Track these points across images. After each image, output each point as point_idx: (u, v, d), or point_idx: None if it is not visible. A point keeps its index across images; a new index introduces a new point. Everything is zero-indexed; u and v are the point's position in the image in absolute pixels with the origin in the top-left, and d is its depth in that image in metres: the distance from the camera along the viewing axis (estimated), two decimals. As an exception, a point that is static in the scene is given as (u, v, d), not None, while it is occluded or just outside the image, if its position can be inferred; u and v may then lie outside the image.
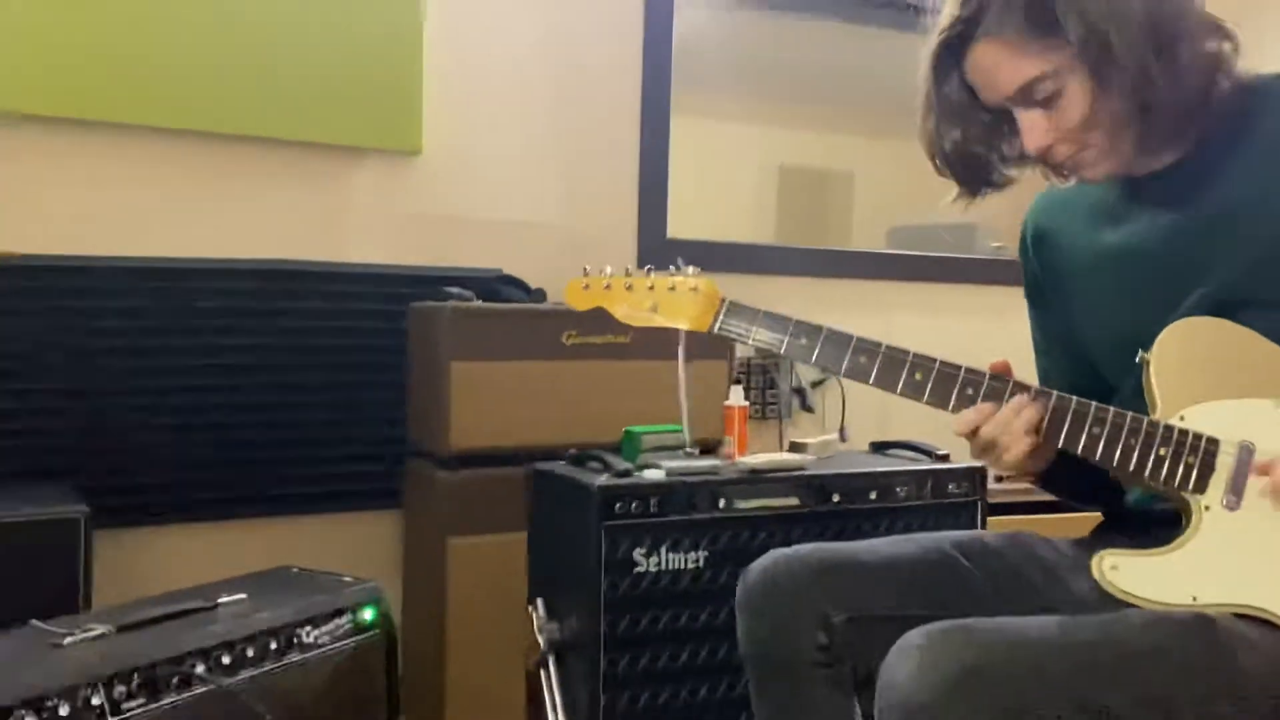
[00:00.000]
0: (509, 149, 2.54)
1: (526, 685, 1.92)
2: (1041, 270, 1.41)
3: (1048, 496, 1.43)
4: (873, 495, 1.96)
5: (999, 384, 1.19)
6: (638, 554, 1.78)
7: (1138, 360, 1.17)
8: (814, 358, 1.23)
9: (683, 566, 1.82)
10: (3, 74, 2.01)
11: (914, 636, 1.06)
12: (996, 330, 1.85)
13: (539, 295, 2.32)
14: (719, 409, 2.11)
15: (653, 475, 1.83)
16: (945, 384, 1.20)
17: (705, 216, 2.99)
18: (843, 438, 2.73)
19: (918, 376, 1.20)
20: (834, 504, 1.93)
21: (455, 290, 2.18)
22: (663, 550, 1.80)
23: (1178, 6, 1.18)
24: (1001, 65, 1.21)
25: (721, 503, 1.85)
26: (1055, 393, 1.19)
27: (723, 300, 1.29)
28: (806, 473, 1.94)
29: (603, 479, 1.80)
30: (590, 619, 1.77)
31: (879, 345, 1.22)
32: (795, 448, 2.07)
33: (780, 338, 1.25)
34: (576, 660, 1.82)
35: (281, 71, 2.22)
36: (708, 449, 2.10)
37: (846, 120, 3.33)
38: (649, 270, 1.33)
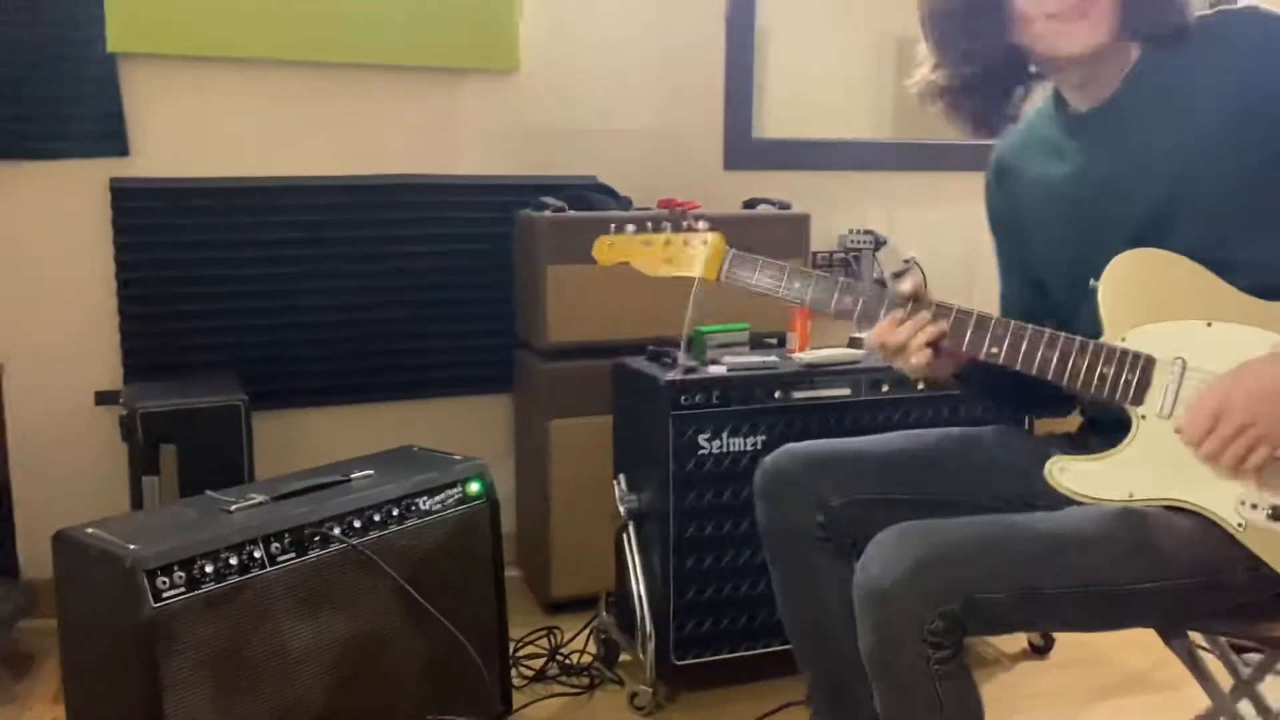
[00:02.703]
0: (599, 62, 2.71)
1: (614, 546, 2.24)
2: (1003, 202, 1.53)
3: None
4: (920, 385, 2.14)
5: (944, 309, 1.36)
6: (702, 439, 2.04)
7: (1090, 287, 1.32)
8: (806, 300, 1.41)
9: (743, 449, 2.07)
10: (157, 23, 2.33)
11: (885, 534, 1.27)
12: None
13: (626, 202, 2.54)
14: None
15: (715, 370, 2.06)
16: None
17: (808, 107, 3.01)
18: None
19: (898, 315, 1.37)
20: (883, 394, 2.13)
21: (549, 200, 2.42)
22: (724, 435, 2.05)
23: None
24: None
25: (778, 394, 2.07)
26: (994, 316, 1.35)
27: (728, 252, 1.46)
28: (859, 366, 2.14)
29: (671, 374, 2.05)
30: (661, 493, 2.05)
31: (862, 286, 1.40)
32: (854, 343, 2.25)
33: (778, 283, 1.43)
34: (652, 527, 2.11)
35: (388, 2, 2.46)
36: (779, 342, 2.32)
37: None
38: (665, 227, 1.50)
